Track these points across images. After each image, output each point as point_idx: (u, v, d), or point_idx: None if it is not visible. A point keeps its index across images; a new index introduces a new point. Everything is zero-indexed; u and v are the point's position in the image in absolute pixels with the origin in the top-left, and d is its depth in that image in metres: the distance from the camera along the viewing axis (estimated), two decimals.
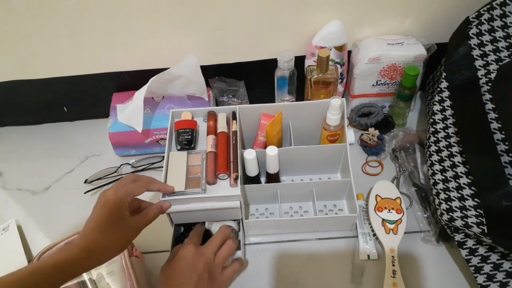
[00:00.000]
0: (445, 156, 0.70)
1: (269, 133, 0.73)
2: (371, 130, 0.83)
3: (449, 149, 0.70)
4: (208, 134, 0.72)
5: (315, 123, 0.76)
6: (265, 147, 0.70)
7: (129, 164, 0.85)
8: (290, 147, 0.73)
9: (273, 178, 0.74)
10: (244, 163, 0.71)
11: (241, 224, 0.70)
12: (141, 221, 0.57)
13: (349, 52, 0.84)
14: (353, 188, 0.69)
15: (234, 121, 0.72)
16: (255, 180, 0.73)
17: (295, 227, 0.74)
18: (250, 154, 0.68)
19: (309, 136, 0.79)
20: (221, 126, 0.72)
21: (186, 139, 0.70)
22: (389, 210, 0.72)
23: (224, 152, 0.69)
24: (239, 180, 0.66)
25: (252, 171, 0.71)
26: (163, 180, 0.66)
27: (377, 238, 0.71)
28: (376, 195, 0.74)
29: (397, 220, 0.71)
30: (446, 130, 0.72)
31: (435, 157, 0.71)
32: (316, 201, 0.73)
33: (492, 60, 0.70)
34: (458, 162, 0.68)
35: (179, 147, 0.70)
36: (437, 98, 0.74)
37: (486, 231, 0.60)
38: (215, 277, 0.60)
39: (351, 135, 0.85)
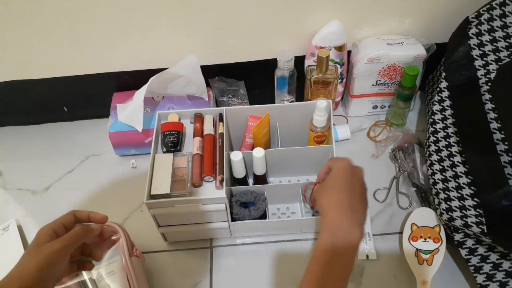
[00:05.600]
0: (445, 156, 0.70)
1: (256, 134, 0.73)
2: None
3: (449, 148, 0.70)
4: (194, 136, 0.72)
5: (302, 124, 0.77)
6: (252, 149, 0.70)
7: None
8: (277, 149, 0.73)
9: (260, 179, 0.74)
10: (231, 165, 0.71)
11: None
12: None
13: (349, 52, 0.84)
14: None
15: (221, 123, 0.72)
16: (243, 181, 0.74)
17: (282, 229, 0.74)
18: (236, 156, 0.68)
19: (296, 137, 0.79)
20: (208, 128, 0.72)
21: (172, 141, 0.70)
22: (425, 239, 0.68)
23: (210, 154, 0.69)
24: (224, 183, 0.65)
25: (239, 172, 0.71)
26: (148, 182, 0.65)
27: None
28: (412, 223, 0.70)
29: (433, 250, 0.67)
30: (446, 130, 0.72)
31: (434, 157, 0.71)
32: (303, 202, 0.73)
33: (491, 60, 0.70)
34: (458, 161, 0.68)
35: (164, 149, 0.70)
36: (436, 98, 0.75)
37: (485, 230, 0.60)
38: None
39: (346, 130, 0.86)
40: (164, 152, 0.70)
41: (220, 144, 0.70)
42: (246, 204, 0.72)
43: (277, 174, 0.81)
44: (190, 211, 0.66)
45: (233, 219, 0.69)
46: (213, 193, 0.66)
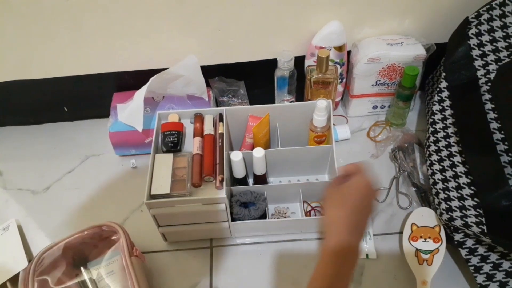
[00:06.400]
0: (445, 156, 0.70)
1: (256, 134, 0.73)
2: None
3: (449, 148, 0.70)
4: (194, 136, 0.71)
5: (302, 124, 0.76)
6: (253, 149, 0.70)
7: None
8: (277, 149, 0.73)
9: (260, 179, 0.74)
10: (231, 165, 0.71)
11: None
12: None
13: (349, 52, 0.84)
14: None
15: (221, 123, 0.72)
16: (243, 181, 0.73)
17: (282, 229, 0.73)
18: (236, 156, 0.68)
19: (296, 137, 0.79)
20: (208, 128, 0.72)
21: (172, 141, 0.70)
22: (425, 239, 0.68)
23: (210, 154, 0.69)
24: (224, 183, 0.65)
25: (239, 172, 0.71)
26: (148, 182, 0.65)
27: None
28: (412, 223, 0.70)
29: (433, 250, 0.67)
30: (446, 130, 0.72)
31: (434, 157, 0.71)
32: (303, 202, 0.73)
33: (491, 60, 0.70)
34: (458, 161, 0.68)
35: (164, 149, 0.70)
36: (436, 98, 0.75)
37: (485, 230, 0.60)
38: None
39: (346, 130, 0.86)
40: (164, 152, 0.70)
41: (220, 144, 0.70)
42: (246, 204, 0.72)
43: (277, 174, 0.81)
44: (190, 211, 0.66)
45: (233, 219, 0.69)
46: (213, 193, 0.66)
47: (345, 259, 0.46)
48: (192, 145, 0.71)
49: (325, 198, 0.51)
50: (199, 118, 0.74)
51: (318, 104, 0.70)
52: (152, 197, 0.64)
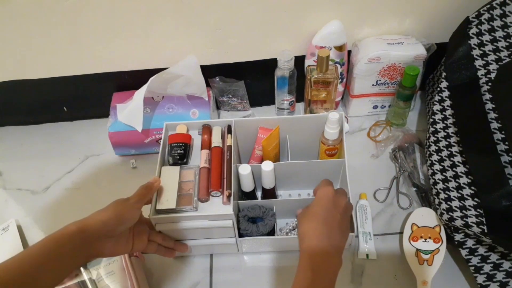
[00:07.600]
0: (445, 156, 0.70)
1: (266, 148, 0.71)
2: None
3: (449, 149, 0.70)
4: (202, 148, 0.69)
5: (313, 136, 0.74)
6: (262, 161, 0.68)
7: None
8: (286, 162, 0.71)
9: (269, 193, 0.72)
10: (239, 178, 0.69)
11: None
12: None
13: (349, 52, 0.84)
14: (352, 205, 0.64)
15: (229, 135, 0.70)
16: (251, 195, 0.71)
17: (290, 245, 0.71)
18: (244, 170, 0.65)
19: (307, 149, 0.76)
20: (216, 141, 0.69)
21: (179, 153, 0.68)
22: (425, 239, 0.68)
23: (218, 167, 0.67)
24: (232, 198, 0.63)
25: (247, 186, 0.69)
26: (154, 196, 0.63)
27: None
28: (413, 223, 0.70)
29: (433, 250, 0.67)
30: (446, 130, 0.72)
31: (435, 157, 0.71)
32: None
33: (492, 60, 0.70)
34: (458, 162, 0.68)
35: (171, 162, 0.68)
36: (437, 98, 0.74)
37: (486, 231, 0.60)
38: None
39: (345, 125, 0.85)
40: (170, 165, 0.68)
41: (228, 157, 0.68)
42: (254, 219, 0.69)
43: (286, 187, 0.78)
44: (196, 227, 0.64)
45: (240, 235, 0.67)
46: (220, 209, 0.64)
47: (321, 263, 0.51)
48: (199, 157, 0.69)
49: (298, 216, 0.58)
50: (207, 130, 0.71)
51: (330, 117, 0.68)
52: (157, 212, 0.62)
